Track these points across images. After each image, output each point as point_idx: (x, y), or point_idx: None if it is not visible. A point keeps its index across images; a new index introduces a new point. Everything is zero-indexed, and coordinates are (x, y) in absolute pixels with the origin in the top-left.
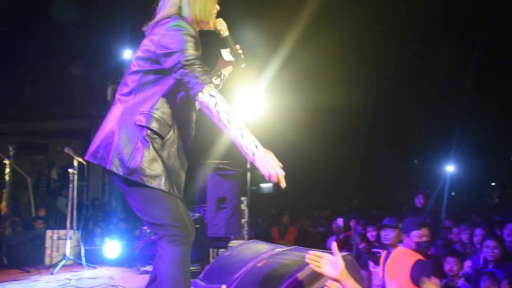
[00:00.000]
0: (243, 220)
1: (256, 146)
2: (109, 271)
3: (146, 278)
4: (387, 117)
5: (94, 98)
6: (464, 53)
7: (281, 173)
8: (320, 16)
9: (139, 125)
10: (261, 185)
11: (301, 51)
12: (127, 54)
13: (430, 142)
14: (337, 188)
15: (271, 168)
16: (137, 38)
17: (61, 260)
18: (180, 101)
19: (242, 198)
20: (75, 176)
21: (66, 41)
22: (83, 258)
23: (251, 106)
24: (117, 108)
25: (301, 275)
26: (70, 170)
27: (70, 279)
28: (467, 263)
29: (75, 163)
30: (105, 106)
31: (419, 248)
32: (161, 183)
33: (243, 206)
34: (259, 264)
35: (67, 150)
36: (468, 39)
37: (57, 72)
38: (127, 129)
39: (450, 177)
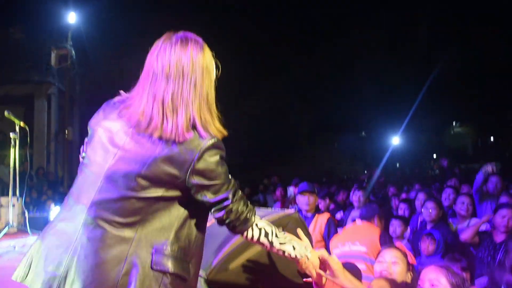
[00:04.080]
0: None
1: (306, 248)
2: None
3: None
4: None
5: (36, 63)
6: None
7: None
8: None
9: (158, 270)
10: None
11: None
12: (71, 17)
13: (378, 115)
14: (285, 156)
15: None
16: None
17: (4, 228)
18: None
19: None
20: (17, 141)
21: (2, 2)
22: (27, 225)
23: None
24: (113, 242)
25: (232, 245)
26: (11, 135)
27: (15, 246)
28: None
29: (17, 128)
30: (48, 72)
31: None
32: None
33: None
34: (208, 224)
35: (7, 113)
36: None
37: None
38: (144, 278)
39: (395, 149)
